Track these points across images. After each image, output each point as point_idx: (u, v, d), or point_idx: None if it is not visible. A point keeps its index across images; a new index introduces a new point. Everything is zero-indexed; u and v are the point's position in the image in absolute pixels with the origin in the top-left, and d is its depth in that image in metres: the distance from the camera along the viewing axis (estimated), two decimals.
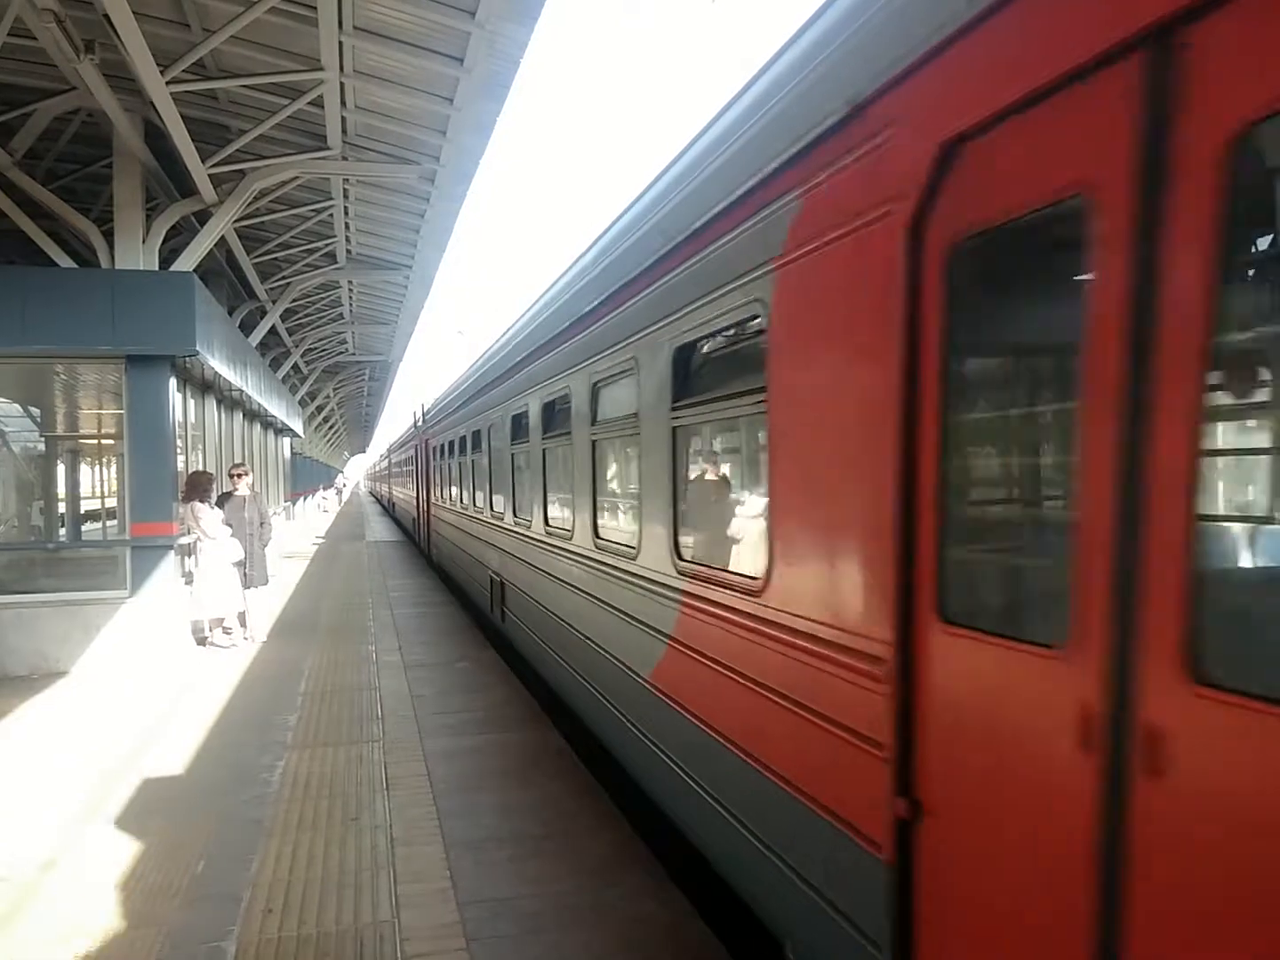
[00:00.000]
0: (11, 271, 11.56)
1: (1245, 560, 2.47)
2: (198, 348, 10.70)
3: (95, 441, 16.42)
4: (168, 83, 8.98)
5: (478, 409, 12.57)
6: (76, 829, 5.86)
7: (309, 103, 10.37)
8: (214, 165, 11.07)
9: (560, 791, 6.35)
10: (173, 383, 11.01)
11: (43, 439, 14.88)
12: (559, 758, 7.12)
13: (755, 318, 3.98)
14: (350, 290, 20.78)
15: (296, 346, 24.25)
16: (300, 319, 22.73)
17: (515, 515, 10.07)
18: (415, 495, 26.63)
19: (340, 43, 9.21)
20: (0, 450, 13.38)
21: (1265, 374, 2.24)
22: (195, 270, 11.49)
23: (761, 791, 3.87)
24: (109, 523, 14.05)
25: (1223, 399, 2.10)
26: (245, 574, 11.90)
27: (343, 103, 10.64)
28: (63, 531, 14.31)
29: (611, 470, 7.07)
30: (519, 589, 10.02)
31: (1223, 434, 2.17)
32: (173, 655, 10.79)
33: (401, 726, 7.99)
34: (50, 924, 4.62)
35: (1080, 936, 2.21)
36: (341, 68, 9.74)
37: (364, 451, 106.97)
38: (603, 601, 6.44)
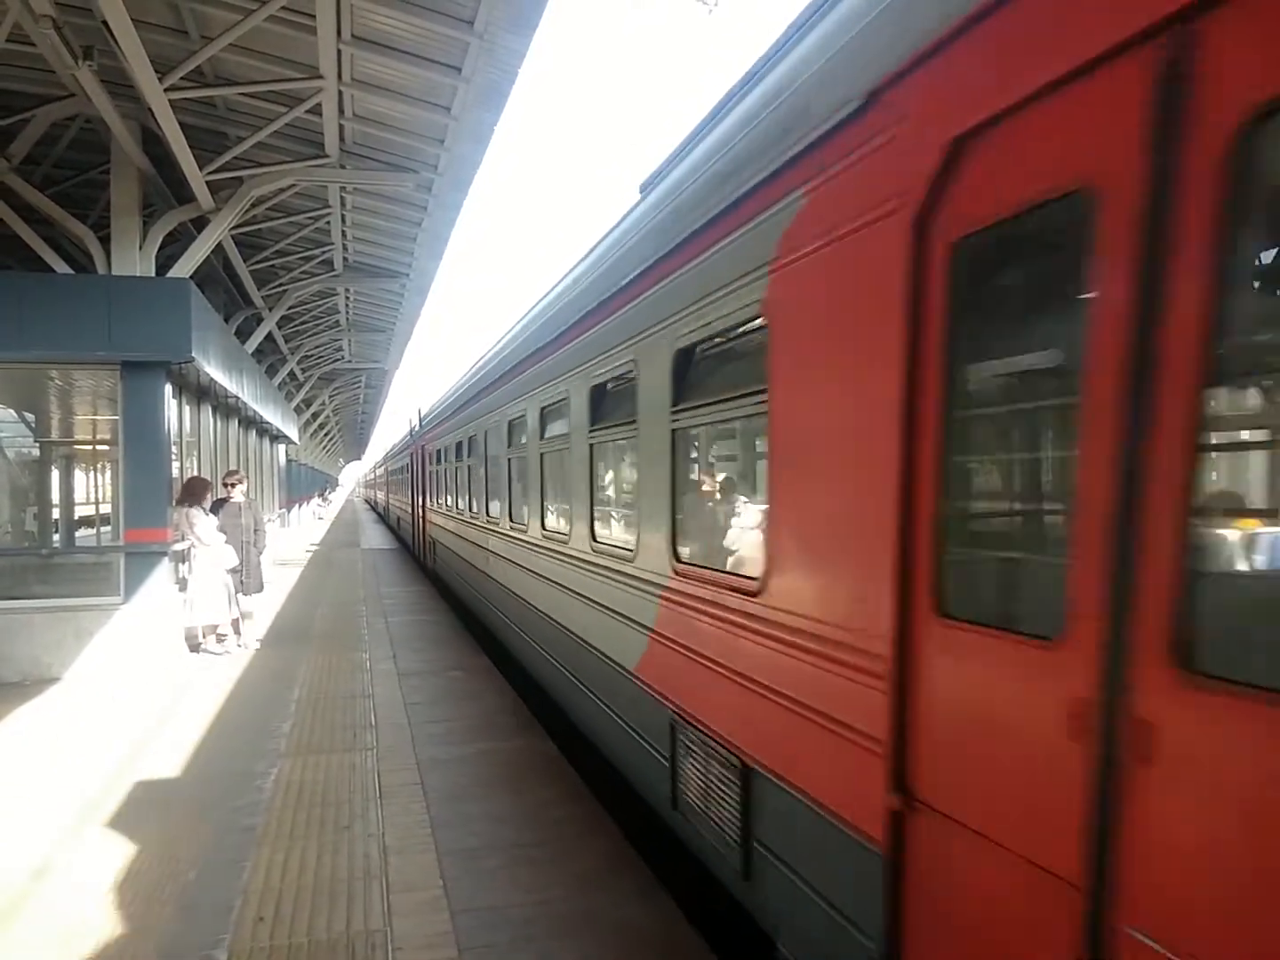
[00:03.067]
0: (8, 277, 11.58)
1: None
2: (193, 354, 10.69)
3: (90, 447, 16.41)
4: (166, 90, 9.00)
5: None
6: (68, 836, 5.84)
7: (307, 111, 10.40)
8: (211, 172, 11.08)
9: (552, 799, 6.34)
10: (168, 389, 11.00)
11: (37, 444, 14.87)
12: (550, 765, 7.11)
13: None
14: (347, 298, 20.79)
15: (293, 354, 24.26)
16: (297, 326, 22.73)
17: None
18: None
19: (339, 51, 9.24)
20: None
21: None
22: (192, 277, 11.49)
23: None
24: (103, 529, 14.03)
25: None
26: (240, 581, 11.88)
27: (341, 111, 10.67)
28: (56, 537, 14.28)
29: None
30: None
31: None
32: (166, 662, 10.76)
33: (395, 734, 7.97)
34: (42, 932, 4.61)
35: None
36: (340, 76, 9.77)
37: (359, 459, 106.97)
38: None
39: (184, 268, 11.53)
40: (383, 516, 52.74)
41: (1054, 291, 2.64)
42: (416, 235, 15.24)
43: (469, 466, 13.54)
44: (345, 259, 17.38)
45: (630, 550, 5.75)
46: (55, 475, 15.03)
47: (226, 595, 11.66)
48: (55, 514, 14.80)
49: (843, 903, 3.30)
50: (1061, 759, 2.28)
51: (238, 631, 12.05)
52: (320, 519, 54.75)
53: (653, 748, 5.38)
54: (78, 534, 15.38)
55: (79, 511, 15.64)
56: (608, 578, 6.28)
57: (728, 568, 4.69)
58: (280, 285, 18.41)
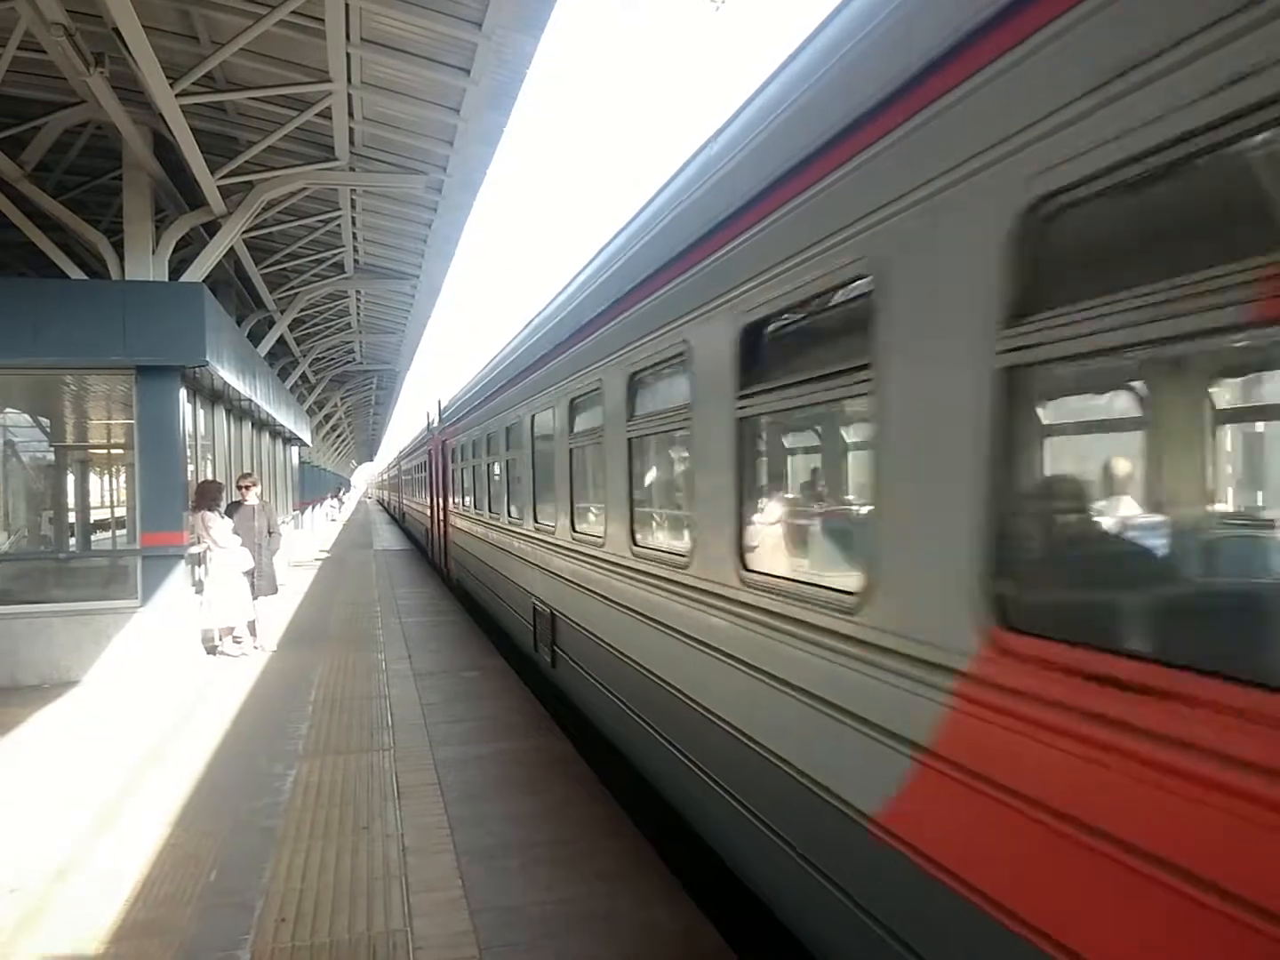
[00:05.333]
0: (24, 283, 11.68)
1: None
2: (207, 358, 10.75)
3: (105, 451, 16.48)
4: (177, 95, 9.05)
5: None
6: (88, 838, 5.88)
7: (317, 114, 10.43)
8: (223, 177, 11.14)
9: (569, 799, 6.35)
10: (182, 393, 11.06)
11: (52, 449, 14.94)
12: (568, 765, 7.12)
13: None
14: (358, 300, 20.86)
15: (305, 356, 24.35)
16: (308, 329, 22.82)
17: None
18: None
19: (348, 54, 9.28)
20: (10, 461, 13.43)
21: None
22: (204, 281, 11.56)
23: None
24: (118, 532, 14.10)
25: None
26: (254, 583, 11.93)
27: (350, 114, 10.70)
28: (73, 542, 14.36)
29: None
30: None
31: None
32: (183, 664, 10.82)
33: (411, 735, 8.00)
34: (63, 934, 4.64)
35: None
36: (349, 79, 9.80)
37: (371, 460, 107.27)
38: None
39: (197, 272, 11.59)
40: (396, 519, 52.76)
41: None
42: (426, 236, 15.30)
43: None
44: (356, 261, 17.44)
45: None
46: (71, 480, 15.10)
47: (243, 598, 11.71)
48: (71, 518, 14.87)
49: None
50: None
51: (254, 633, 12.11)
52: (333, 520, 54.93)
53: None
54: (94, 538, 15.44)
55: (94, 515, 15.70)
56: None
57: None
58: (292, 288, 18.49)
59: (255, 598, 11.98)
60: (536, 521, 9.40)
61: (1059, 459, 3.02)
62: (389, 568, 23.75)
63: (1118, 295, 2.18)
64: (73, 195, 12.50)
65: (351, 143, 11.54)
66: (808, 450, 5.03)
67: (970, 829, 2.70)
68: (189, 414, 11.80)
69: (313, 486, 40.45)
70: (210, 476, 13.51)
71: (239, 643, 11.91)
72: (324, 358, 27.10)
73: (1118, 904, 2.18)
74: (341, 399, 37.42)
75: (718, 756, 4.63)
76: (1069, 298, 2.32)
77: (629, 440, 5.99)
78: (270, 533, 12.33)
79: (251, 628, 12.08)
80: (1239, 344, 2.26)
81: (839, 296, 3.60)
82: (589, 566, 7.20)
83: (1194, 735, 1.97)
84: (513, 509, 11.12)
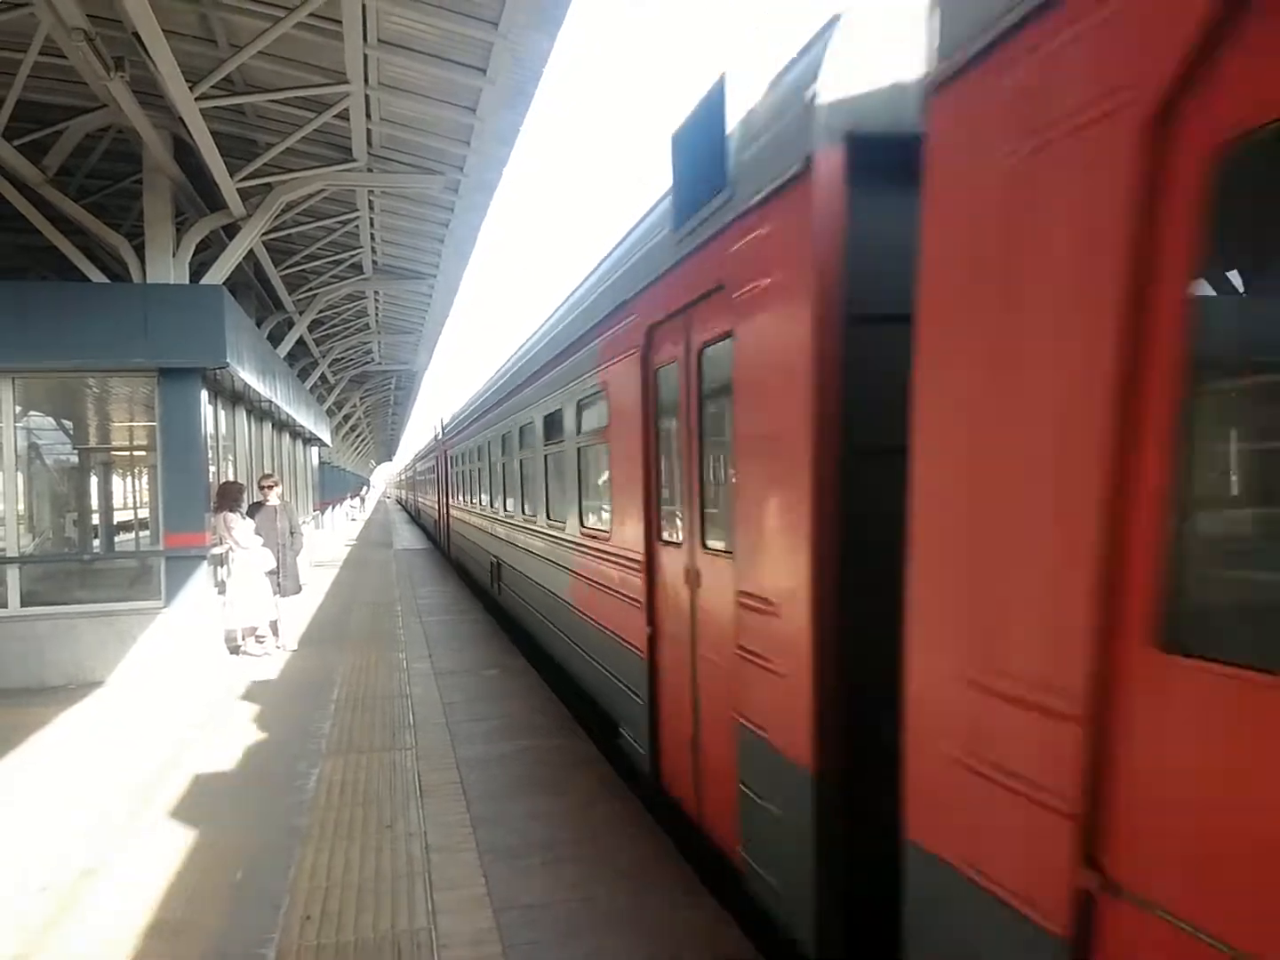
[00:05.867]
0: (46, 287, 11.80)
1: None
2: (228, 360, 10.82)
3: (127, 453, 16.63)
4: (196, 99, 9.10)
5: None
6: (116, 837, 5.93)
7: (334, 116, 10.47)
8: (242, 179, 11.21)
9: (592, 798, 6.36)
10: (204, 395, 11.15)
11: (75, 451, 15.08)
12: (589, 764, 7.13)
13: None
14: (376, 300, 20.94)
15: (324, 357, 24.48)
16: (327, 329, 22.94)
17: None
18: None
19: (365, 55, 9.30)
20: (34, 463, 13.57)
21: None
22: (224, 283, 11.63)
23: None
24: (141, 534, 14.22)
25: None
26: (277, 583, 12.00)
27: (367, 115, 10.73)
28: (96, 543, 14.49)
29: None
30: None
31: None
32: (207, 664, 10.90)
33: (433, 734, 8.03)
34: (92, 931, 4.68)
35: None
36: (366, 80, 9.83)
37: (390, 460, 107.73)
38: None
39: (217, 274, 11.67)
40: (414, 517, 53.10)
41: None
42: (443, 236, 15.32)
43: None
44: (374, 262, 17.50)
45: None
46: (94, 482, 15.24)
47: (265, 597, 11.79)
48: (95, 520, 15.02)
49: None
50: None
51: (276, 633, 12.18)
52: (353, 520, 55.19)
53: None
54: (117, 539, 15.60)
55: (117, 517, 15.85)
56: None
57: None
58: (310, 289, 18.58)
59: (278, 597, 12.06)
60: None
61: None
62: (409, 567, 23.85)
63: None
64: (94, 199, 12.60)
65: (369, 144, 11.57)
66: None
67: None
68: (210, 415, 11.89)
69: (333, 487, 40.67)
70: (232, 477, 13.61)
71: (261, 642, 11.99)
72: (343, 358, 27.22)
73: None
74: (360, 399, 37.60)
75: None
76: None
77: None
78: (292, 533, 12.40)
79: (274, 627, 12.16)
80: None
81: None
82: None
83: None
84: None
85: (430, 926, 4.58)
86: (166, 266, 11.25)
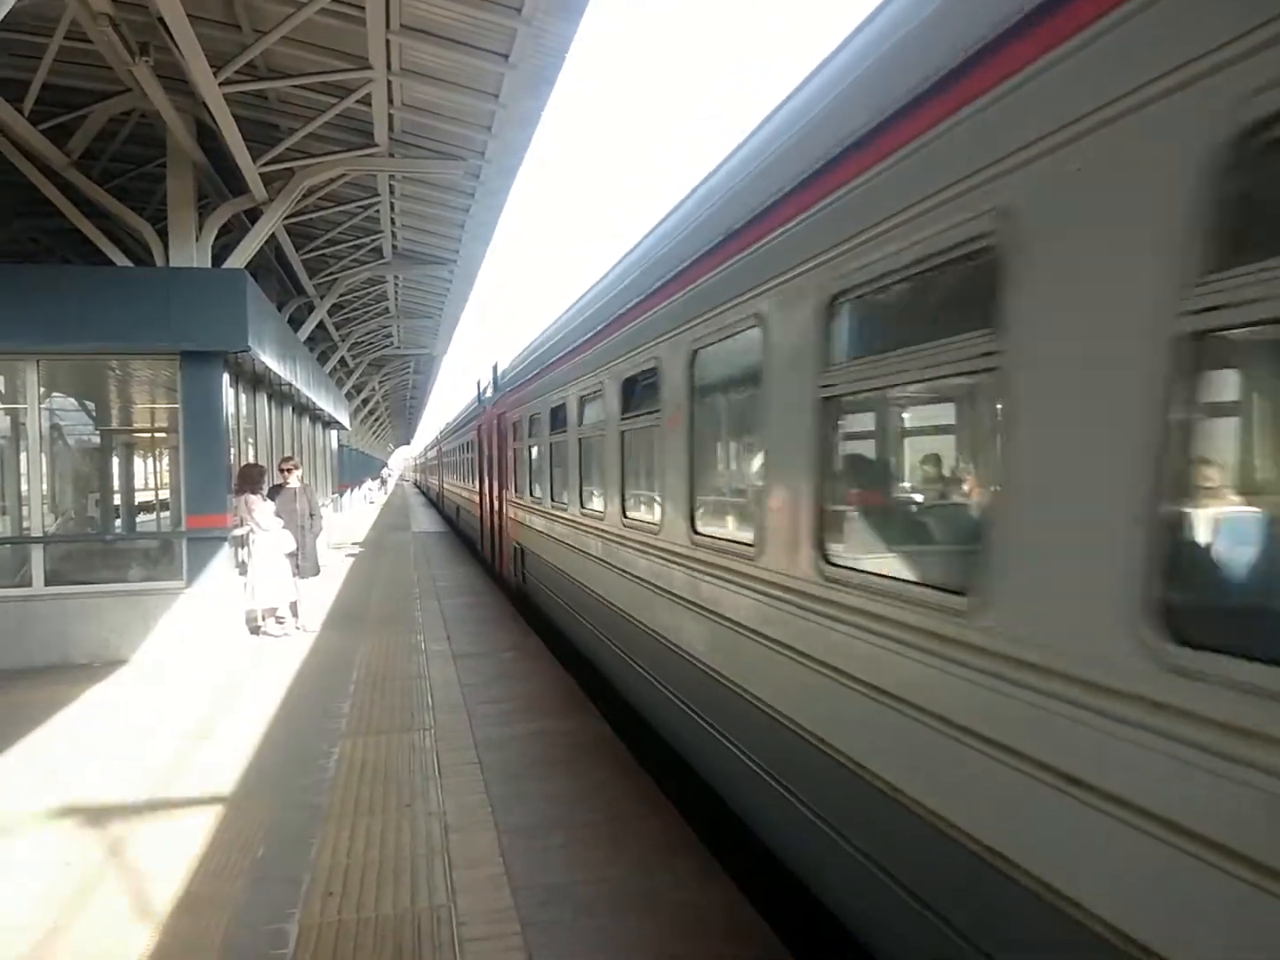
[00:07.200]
0: (70, 271, 11.88)
1: None
2: (249, 343, 10.91)
3: (149, 435, 16.78)
4: (220, 84, 9.17)
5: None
6: (140, 813, 6.04)
7: (357, 101, 10.53)
8: (264, 164, 11.28)
9: (608, 778, 6.42)
10: (225, 378, 11.24)
11: (98, 433, 15.23)
12: (606, 745, 7.20)
13: None
14: (396, 285, 21.02)
15: (343, 341, 24.62)
16: (347, 314, 23.05)
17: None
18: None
19: (388, 41, 9.33)
20: (57, 444, 13.71)
21: None
22: (246, 267, 11.72)
23: None
24: (163, 515, 14.36)
25: None
26: (296, 565, 12.12)
27: (390, 100, 10.77)
28: (119, 523, 14.66)
29: None
30: None
31: None
32: (228, 644, 11.04)
33: (452, 714, 8.11)
34: (117, 906, 4.78)
35: None
36: (389, 66, 9.87)
37: (409, 443, 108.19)
38: None
39: (239, 258, 11.76)
40: (433, 501, 52.99)
41: None
42: (464, 222, 15.37)
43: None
44: (394, 246, 17.57)
45: None
46: (116, 463, 15.40)
47: (285, 579, 11.91)
48: (116, 500, 15.18)
49: None
50: None
51: (295, 614, 12.31)
52: (371, 504, 55.47)
53: None
54: (139, 520, 15.76)
55: (139, 498, 16.00)
56: None
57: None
58: (331, 274, 18.68)
59: (298, 579, 12.17)
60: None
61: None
62: (426, 549, 23.98)
63: None
64: (118, 183, 12.71)
65: (391, 129, 11.62)
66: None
67: None
68: (231, 398, 11.99)
69: (352, 470, 40.87)
70: (252, 460, 13.73)
71: (281, 623, 12.11)
72: (362, 342, 27.36)
73: None
74: (379, 383, 37.78)
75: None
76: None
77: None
78: (312, 515, 12.50)
79: (293, 608, 12.28)
80: None
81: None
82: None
83: None
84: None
85: (450, 904, 4.66)
86: (189, 250, 11.34)
